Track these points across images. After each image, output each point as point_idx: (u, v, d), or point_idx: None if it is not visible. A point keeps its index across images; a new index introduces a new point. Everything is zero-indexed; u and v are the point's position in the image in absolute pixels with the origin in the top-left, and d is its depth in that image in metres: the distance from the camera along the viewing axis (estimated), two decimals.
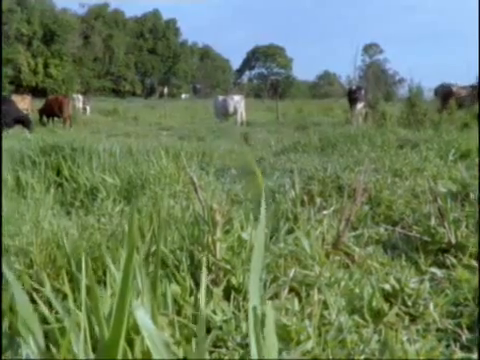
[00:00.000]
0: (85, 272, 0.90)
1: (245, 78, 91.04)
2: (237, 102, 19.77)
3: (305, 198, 3.28)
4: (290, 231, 2.78)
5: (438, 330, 1.97)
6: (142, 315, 0.84)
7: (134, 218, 0.70)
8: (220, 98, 21.06)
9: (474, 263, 2.73)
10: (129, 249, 0.65)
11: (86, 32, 70.20)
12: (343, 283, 2.24)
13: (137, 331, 1.48)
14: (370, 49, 78.31)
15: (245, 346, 1.68)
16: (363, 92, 18.26)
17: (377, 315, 2.04)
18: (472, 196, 3.82)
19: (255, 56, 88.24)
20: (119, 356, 0.66)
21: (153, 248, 2.34)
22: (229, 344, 1.71)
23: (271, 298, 2.06)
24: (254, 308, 0.61)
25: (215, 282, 2.11)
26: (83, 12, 72.90)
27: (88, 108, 27.29)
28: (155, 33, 78.60)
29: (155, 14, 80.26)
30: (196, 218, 2.43)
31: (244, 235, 2.33)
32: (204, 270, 1.70)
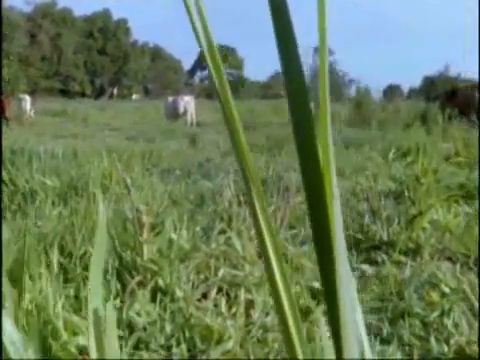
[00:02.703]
0: None
1: (197, 79, 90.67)
2: (187, 102, 19.66)
3: (242, 198, 3.29)
4: (223, 231, 2.78)
5: None
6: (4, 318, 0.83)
7: None
8: (170, 99, 20.88)
9: (403, 259, 2.81)
10: None
11: (33, 31, 68.27)
12: None
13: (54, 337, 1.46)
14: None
15: (167, 348, 1.67)
16: (312, 93, 18.46)
17: (304, 313, 2.06)
18: (406, 194, 3.94)
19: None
20: None
21: (82, 250, 2.31)
22: (151, 346, 1.69)
23: (199, 299, 2.06)
24: (95, 310, 0.60)
25: (142, 283, 2.09)
26: (29, 10, 70.89)
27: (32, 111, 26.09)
28: (105, 33, 77.18)
29: (105, 13, 78.87)
30: (125, 220, 2.40)
31: (173, 236, 2.31)
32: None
